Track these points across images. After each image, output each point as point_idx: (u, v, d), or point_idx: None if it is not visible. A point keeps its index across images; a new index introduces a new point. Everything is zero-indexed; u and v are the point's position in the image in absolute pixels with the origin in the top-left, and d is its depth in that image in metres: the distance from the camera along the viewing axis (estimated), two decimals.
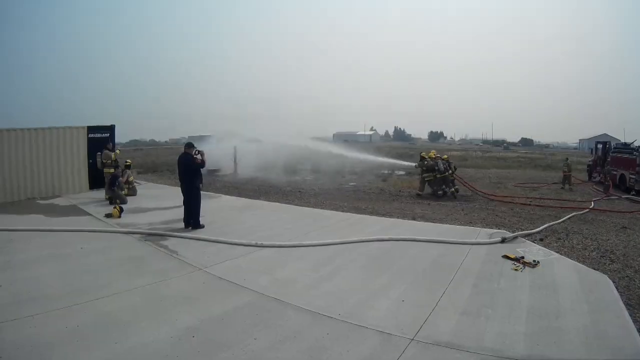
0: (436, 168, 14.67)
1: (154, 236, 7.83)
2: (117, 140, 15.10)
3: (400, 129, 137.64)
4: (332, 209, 11.14)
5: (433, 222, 9.56)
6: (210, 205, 10.90)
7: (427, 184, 14.98)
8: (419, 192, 14.89)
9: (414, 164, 17.11)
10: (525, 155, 49.15)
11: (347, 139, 73.28)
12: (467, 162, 32.66)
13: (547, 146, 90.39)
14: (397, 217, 10.11)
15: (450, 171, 15.05)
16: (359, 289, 5.24)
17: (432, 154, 15.51)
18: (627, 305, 4.81)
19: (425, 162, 14.98)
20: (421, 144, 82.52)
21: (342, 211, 10.86)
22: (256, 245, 7.12)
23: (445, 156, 15.95)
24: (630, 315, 4.48)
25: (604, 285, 5.42)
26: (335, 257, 6.55)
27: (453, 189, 14.82)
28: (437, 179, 14.77)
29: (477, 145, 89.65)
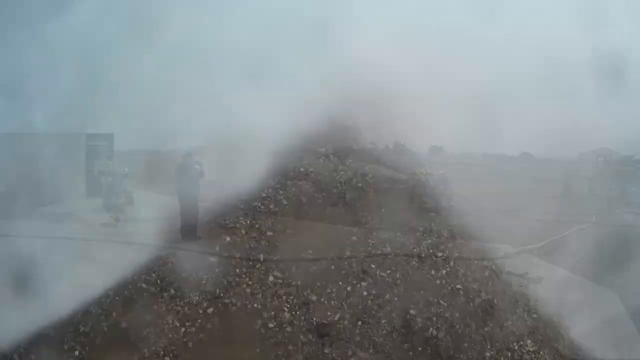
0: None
1: (149, 246, 7.68)
2: (115, 148, 14.99)
3: (400, 143, 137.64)
4: None
5: None
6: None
7: None
8: None
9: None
10: (526, 169, 49.06)
11: None
12: (467, 177, 32.60)
13: (547, 159, 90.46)
14: None
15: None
16: None
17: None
18: (634, 319, 4.73)
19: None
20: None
21: None
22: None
23: (442, 172, 15.86)
24: (638, 329, 4.42)
25: (610, 300, 5.33)
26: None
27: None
28: None
29: (477, 160, 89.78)
